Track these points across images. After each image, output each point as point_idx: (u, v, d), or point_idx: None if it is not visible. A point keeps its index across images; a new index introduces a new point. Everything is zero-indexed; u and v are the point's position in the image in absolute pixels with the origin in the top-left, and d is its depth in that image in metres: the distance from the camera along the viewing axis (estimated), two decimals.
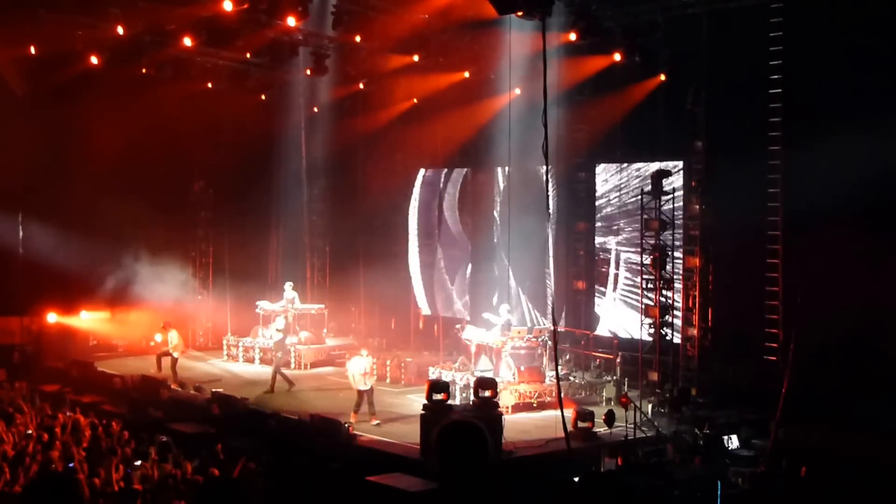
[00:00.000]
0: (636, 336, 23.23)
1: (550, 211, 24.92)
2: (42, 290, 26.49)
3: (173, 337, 24.52)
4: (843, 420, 16.96)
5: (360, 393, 19.81)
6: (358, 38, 23.93)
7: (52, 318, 27.63)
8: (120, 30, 22.69)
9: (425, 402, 17.60)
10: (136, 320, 28.31)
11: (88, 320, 28.48)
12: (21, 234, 27.29)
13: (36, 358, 26.65)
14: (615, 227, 25.39)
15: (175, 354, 24.33)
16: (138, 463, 15.15)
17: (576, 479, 4.58)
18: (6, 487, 12.53)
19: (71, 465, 14.13)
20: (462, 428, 4.62)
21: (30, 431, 16.62)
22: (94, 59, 24.45)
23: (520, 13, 17.23)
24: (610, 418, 18.77)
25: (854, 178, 17.46)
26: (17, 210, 26.49)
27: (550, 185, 17.19)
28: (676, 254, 22.23)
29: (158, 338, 25.08)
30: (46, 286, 26.36)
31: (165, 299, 28.28)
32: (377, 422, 19.41)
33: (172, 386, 23.37)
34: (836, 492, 14.86)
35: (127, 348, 28.49)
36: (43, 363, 26.04)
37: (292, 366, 26.05)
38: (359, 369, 19.98)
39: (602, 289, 25.72)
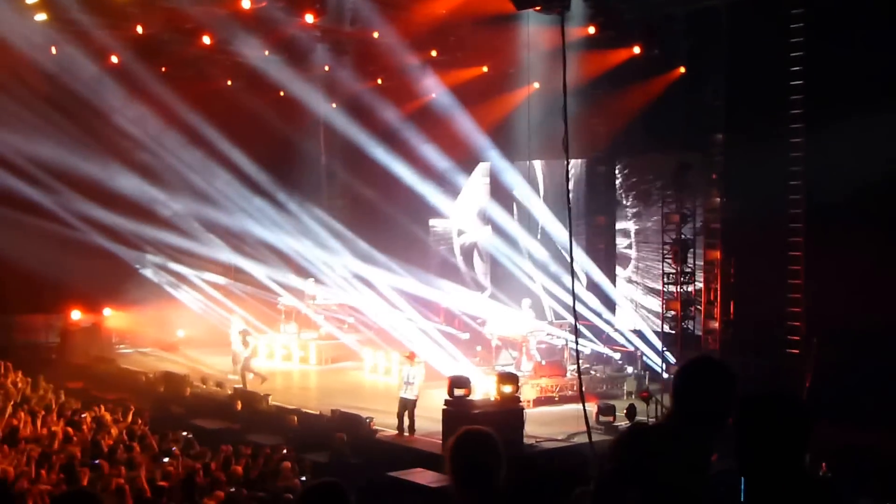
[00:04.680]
0: (657, 329, 23.24)
1: (570, 205, 24.89)
2: (66, 287, 26.64)
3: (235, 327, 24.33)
4: (867, 415, 16.87)
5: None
6: (376, 34, 23.95)
7: (76, 315, 27.80)
8: (139, 29, 22.81)
9: (447, 397, 17.62)
10: (158, 318, 28.48)
11: (112, 317, 28.64)
12: (45, 232, 27.45)
13: (60, 355, 26.83)
14: (635, 221, 25.33)
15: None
16: (166, 460, 15.25)
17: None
18: (32, 485, 12.64)
19: (96, 461, 14.23)
20: (475, 438, 4.56)
21: (55, 429, 16.73)
22: (114, 59, 24.57)
23: (538, 8, 17.20)
24: (631, 412, 18.74)
25: (877, 169, 17.34)
26: (40, 209, 26.62)
27: (570, 178, 17.18)
28: (697, 247, 22.17)
29: (241, 346, 24.01)
30: (71, 284, 26.51)
31: (186, 297, 28.48)
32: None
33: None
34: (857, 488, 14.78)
35: (150, 345, 28.67)
36: (67, 360, 26.20)
37: (312, 361, 26.16)
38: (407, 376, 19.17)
39: (623, 282, 25.70)
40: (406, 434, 18.55)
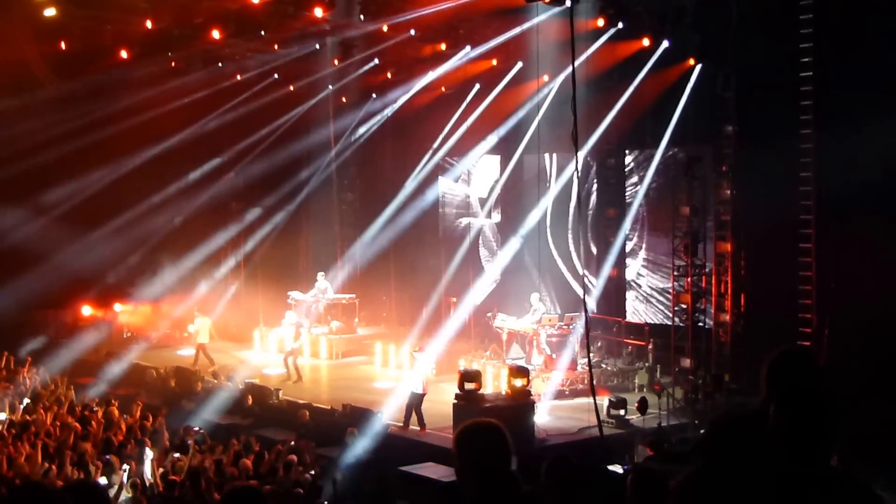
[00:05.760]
0: (665, 322, 23.18)
1: (580, 197, 24.87)
2: (76, 283, 26.69)
3: (202, 324, 25.22)
4: (880, 407, 16.79)
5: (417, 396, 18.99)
6: (385, 28, 23.93)
7: (86, 311, 27.84)
8: (148, 24, 22.85)
9: (457, 391, 17.61)
10: (168, 312, 28.54)
11: (122, 313, 28.69)
12: (55, 228, 27.51)
13: (71, 351, 26.84)
14: (645, 213, 25.25)
15: (200, 341, 25.14)
16: (176, 455, 15.30)
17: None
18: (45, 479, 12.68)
19: (107, 457, 14.28)
20: (482, 429, 4.50)
21: (67, 423, 16.78)
22: (123, 54, 24.62)
23: (547, 0, 17.19)
24: (643, 405, 18.71)
25: (889, 160, 17.25)
26: (49, 204, 26.71)
27: (579, 171, 17.12)
28: (707, 239, 22.10)
29: (192, 328, 25.50)
30: (80, 279, 26.55)
31: (197, 291, 28.52)
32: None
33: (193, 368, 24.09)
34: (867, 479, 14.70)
35: (161, 340, 28.69)
36: (78, 356, 26.22)
37: (323, 355, 26.18)
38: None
39: (633, 274, 25.63)
40: (414, 428, 18.59)
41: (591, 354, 17.47)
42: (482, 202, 29.80)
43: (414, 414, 18.67)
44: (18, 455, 14.17)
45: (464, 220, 30.41)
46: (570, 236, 26.58)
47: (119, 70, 25.33)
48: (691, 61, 22.69)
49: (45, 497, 4.10)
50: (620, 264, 25.81)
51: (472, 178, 30.12)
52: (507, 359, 21.87)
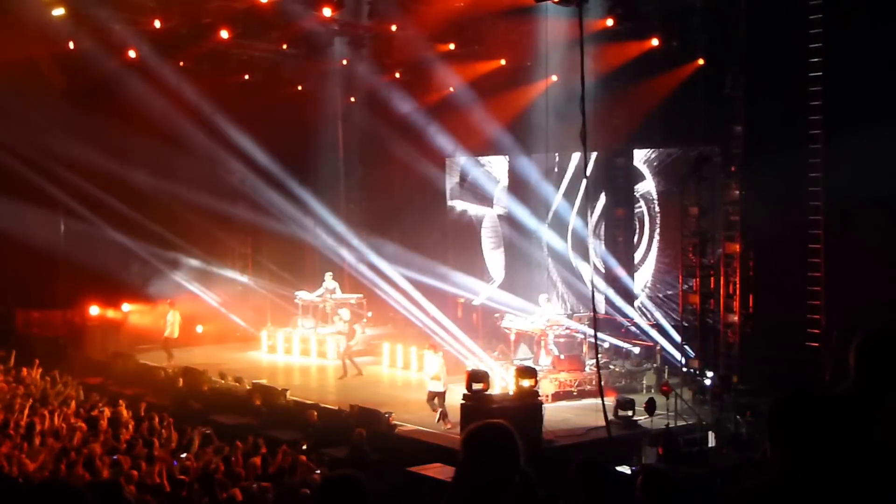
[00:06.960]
0: (676, 323, 23.10)
1: (589, 197, 24.82)
2: (84, 283, 26.71)
3: (173, 318, 25.60)
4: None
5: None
6: (394, 27, 23.93)
7: (94, 310, 27.87)
8: (157, 24, 22.87)
9: (465, 391, 17.58)
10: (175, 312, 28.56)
11: (130, 313, 28.70)
12: (63, 227, 27.54)
13: (79, 350, 26.90)
14: (654, 213, 25.19)
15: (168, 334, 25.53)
16: (183, 455, 15.30)
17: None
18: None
19: (115, 457, 14.27)
20: (492, 430, 4.45)
21: (74, 424, 16.78)
22: (131, 54, 24.64)
23: (556, 0, 17.16)
24: (651, 406, 18.64)
25: None
26: (57, 204, 26.75)
27: (588, 171, 17.09)
28: (716, 240, 22.04)
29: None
30: (88, 279, 26.57)
31: (204, 291, 28.52)
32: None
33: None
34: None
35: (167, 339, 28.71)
36: (86, 356, 26.28)
37: (331, 355, 26.15)
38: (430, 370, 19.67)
39: (641, 275, 25.57)
40: (441, 421, 18.65)
41: (599, 355, 17.42)
42: (490, 202, 29.73)
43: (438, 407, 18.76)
44: (26, 455, 14.17)
45: (472, 220, 30.36)
46: (572, 236, 26.50)
47: (127, 70, 25.36)
48: (700, 61, 22.64)
49: (67, 494, 4.09)
50: (629, 264, 25.75)
51: (480, 178, 30.07)
52: (515, 359, 21.83)
